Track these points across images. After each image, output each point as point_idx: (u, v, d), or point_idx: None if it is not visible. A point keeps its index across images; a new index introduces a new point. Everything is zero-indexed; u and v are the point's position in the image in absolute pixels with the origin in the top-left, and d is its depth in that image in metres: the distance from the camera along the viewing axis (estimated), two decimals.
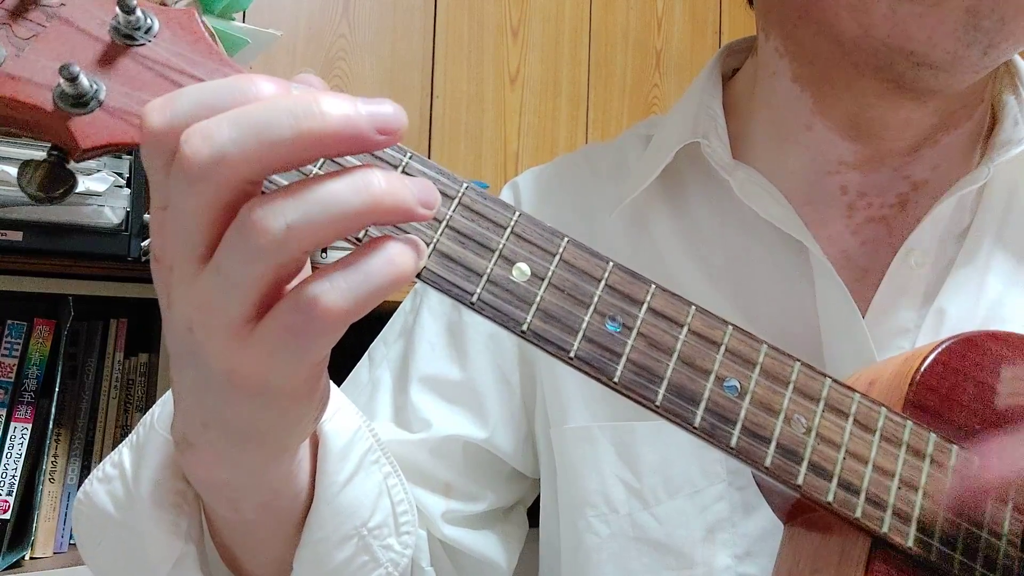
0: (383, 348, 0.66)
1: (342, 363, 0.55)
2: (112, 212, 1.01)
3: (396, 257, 0.31)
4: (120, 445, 0.48)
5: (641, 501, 0.55)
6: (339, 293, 0.29)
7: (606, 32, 1.84)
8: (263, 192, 0.30)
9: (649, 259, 0.59)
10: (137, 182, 1.04)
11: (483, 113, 1.70)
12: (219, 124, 0.28)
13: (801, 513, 0.43)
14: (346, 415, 0.49)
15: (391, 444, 0.57)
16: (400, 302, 0.69)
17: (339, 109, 0.29)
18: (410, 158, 0.34)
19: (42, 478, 1.11)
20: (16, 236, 0.97)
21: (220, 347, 0.31)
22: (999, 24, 0.44)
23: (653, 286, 0.36)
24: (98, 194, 0.99)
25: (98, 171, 1.00)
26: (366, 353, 0.67)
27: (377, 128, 0.30)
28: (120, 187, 1.02)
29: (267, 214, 0.28)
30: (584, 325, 0.35)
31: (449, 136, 1.66)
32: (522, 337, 0.34)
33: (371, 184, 0.29)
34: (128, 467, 0.46)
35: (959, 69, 0.46)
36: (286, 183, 0.30)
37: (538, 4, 1.77)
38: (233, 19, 1.05)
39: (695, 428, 0.35)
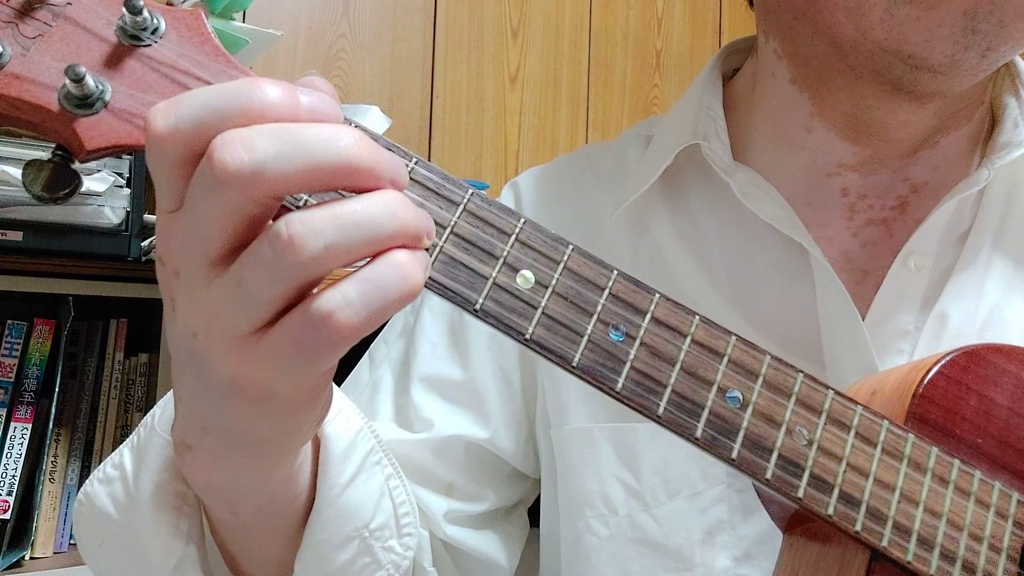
0: (384, 348, 0.66)
1: (342, 363, 0.55)
2: (112, 212, 1.01)
3: (409, 271, 0.30)
4: (121, 446, 0.48)
5: (640, 502, 0.55)
6: (353, 309, 0.29)
7: (606, 32, 1.84)
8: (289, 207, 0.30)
9: (650, 260, 0.59)
10: (137, 182, 1.04)
11: (483, 113, 1.70)
12: (260, 135, 0.28)
13: (800, 523, 0.43)
14: (348, 417, 0.49)
15: (393, 444, 0.57)
16: None
17: (368, 146, 0.30)
18: (416, 163, 0.34)
19: (42, 478, 1.10)
20: (16, 236, 0.96)
21: (225, 354, 0.31)
22: (997, 27, 0.44)
23: (657, 295, 0.36)
24: (98, 194, 0.99)
25: (98, 171, 1.00)
26: (367, 353, 0.67)
27: (393, 179, 0.31)
28: (120, 187, 1.02)
29: (307, 233, 0.28)
30: (587, 334, 0.35)
31: (449, 136, 1.66)
32: (525, 345, 0.34)
33: (399, 211, 0.30)
34: (129, 468, 0.46)
35: (957, 72, 0.46)
36: None
37: (538, 4, 1.77)
38: (233, 19, 1.05)
39: (696, 439, 0.35)
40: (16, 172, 0.93)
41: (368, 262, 0.30)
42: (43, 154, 0.32)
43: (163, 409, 0.46)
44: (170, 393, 0.44)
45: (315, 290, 0.30)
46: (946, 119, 0.53)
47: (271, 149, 0.28)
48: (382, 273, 0.30)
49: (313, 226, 0.28)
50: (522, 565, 0.65)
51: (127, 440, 0.48)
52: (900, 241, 0.54)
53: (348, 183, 0.30)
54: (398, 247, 0.30)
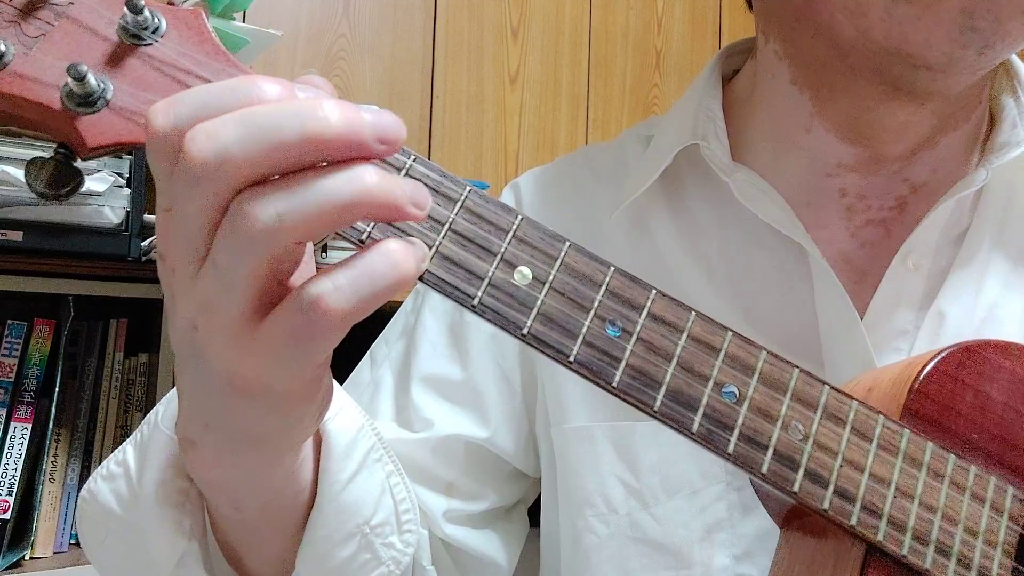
0: (385, 348, 0.66)
1: (342, 363, 0.55)
2: (112, 212, 1.01)
3: (400, 259, 0.31)
4: (124, 443, 0.48)
5: (640, 501, 0.55)
6: (342, 294, 0.30)
7: (606, 32, 1.84)
8: None
9: (649, 260, 0.59)
10: (137, 182, 1.04)
11: (483, 113, 1.70)
12: (224, 124, 0.29)
13: (797, 518, 0.43)
14: (349, 414, 0.49)
15: (393, 443, 0.57)
16: (402, 302, 0.69)
17: (342, 114, 0.29)
18: (414, 160, 0.34)
19: (42, 478, 1.11)
20: (16, 236, 0.97)
21: (222, 348, 0.31)
22: (995, 24, 0.44)
23: (654, 291, 0.36)
24: (98, 194, 0.99)
25: (98, 171, 1.00)
26: (367, 353, 0.68)
27: (378, 137, 0.30)
28: (120, 187, 1.02)
29: (258, 204, 0.29)
30: (584, 329, 0.35)
31: (449, 136, 1.66)
32: (522, 340, 0.34)
33: (363, 177, 0.30)
34: (132, 465, 0.46)
35: (956, 70, 0.46)
36: None
37: (538, 4, 1.77)
38: (233, 19, 1.05)
39: (693, 434, 0.36)
40: (16, 172, 0.93)
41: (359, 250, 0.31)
42: (44, 154, 0.33)
43: (167, 406, 0.46)
44: (174, 390, 0.44)
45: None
46: (945, 119, 0.53)
47: (234, 134, 0.28)
48: (371, 260, 0.30)
49: (266, 197, 0.29)
50: (522, 564, 0.66)
51: (130, 437, 0.48)
52: (898, 241, 0.54)
53: (323, 156, 0.30)
54: (392, 236, 0.31)
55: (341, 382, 0.65)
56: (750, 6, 0.61)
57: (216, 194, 0.29)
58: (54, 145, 0.33)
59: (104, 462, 0.48)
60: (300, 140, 0.29)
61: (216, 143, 0.28)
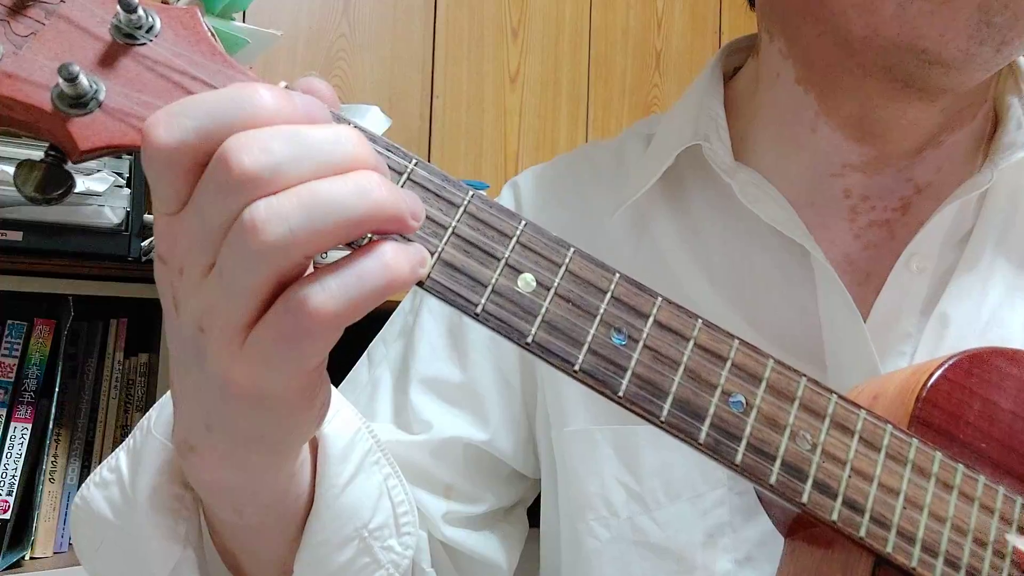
0: (383, 348, 0.66)
1: (342, 363, 0.55)
2: (112, 212, 1.01)
3: (391, 261, 0.30)
4: (117, 450, 0.48)
5: (641, 505, 0.55)
6: (329, 294, 0.29)
7: (606, 32, 1.84)
8: None
9: (650, 262, 0.59)
10: (137, 182, 1.04)
11: (483, 113, 1.69)
12: (274, 138, 0.29)
13: (803, 528, 0.42)
14: (346, 417, 0.48)
15: (391, 445, 0.57)
16: (400, 302, 0.69)
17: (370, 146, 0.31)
18: (415, 164, 0.34)
19: (42, 478, 1.10)
20: (16, 236, 0.96)
21: (218, 352, 0.31)
22: (1012, 20, 0.44)
23: (660, 299, 0.36)
24: (98, 194, 0.99)
25: (98, 171, 1.00)
26: (365, 353, 0.67)
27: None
28: (120, 187, 1.02)
29: (271, 218, 0.28)
30: (589, 338, 0.34)
31: (449, 136, 1.65)
32: (526, 349, 0.33)
33: (372, 190, 0.30)
34: (125, 472, 0.46)
35: (971, 67, 0.46)
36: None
37: (538, 4, 1.76)
38: (233, 19, 1.04)
39: (700, 444, 0.35)
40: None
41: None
42: (41, 154, 0.32)
43: (159, 412, 0.46)
44: (166, 396, 0.44)
45: None
46: (951, 117, 0.53)
47: (286, 151, 0.29)
48: (363, 262, 0.30)
49: (277, 210, 0.28)
50: (522, 565, 0.65)
51: (123, 444, 0.48)
52: (902, 243, 0.53)
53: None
54: (388, 238, 0.31)
55: (339, 382, 0.65)
56: (751, 4, 0.60)
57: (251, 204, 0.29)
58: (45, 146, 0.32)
59: (97, 469, 0.48)
60: (345, 164, 0.30)
61: (270, 157, 0.28)
